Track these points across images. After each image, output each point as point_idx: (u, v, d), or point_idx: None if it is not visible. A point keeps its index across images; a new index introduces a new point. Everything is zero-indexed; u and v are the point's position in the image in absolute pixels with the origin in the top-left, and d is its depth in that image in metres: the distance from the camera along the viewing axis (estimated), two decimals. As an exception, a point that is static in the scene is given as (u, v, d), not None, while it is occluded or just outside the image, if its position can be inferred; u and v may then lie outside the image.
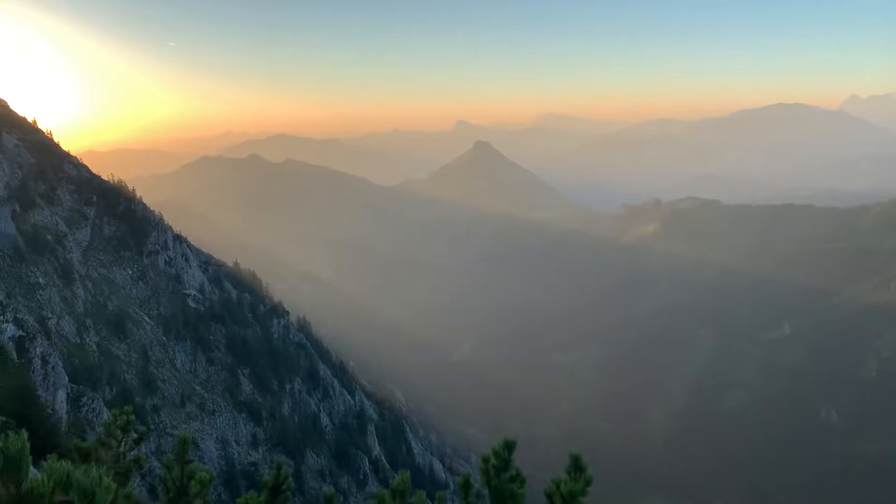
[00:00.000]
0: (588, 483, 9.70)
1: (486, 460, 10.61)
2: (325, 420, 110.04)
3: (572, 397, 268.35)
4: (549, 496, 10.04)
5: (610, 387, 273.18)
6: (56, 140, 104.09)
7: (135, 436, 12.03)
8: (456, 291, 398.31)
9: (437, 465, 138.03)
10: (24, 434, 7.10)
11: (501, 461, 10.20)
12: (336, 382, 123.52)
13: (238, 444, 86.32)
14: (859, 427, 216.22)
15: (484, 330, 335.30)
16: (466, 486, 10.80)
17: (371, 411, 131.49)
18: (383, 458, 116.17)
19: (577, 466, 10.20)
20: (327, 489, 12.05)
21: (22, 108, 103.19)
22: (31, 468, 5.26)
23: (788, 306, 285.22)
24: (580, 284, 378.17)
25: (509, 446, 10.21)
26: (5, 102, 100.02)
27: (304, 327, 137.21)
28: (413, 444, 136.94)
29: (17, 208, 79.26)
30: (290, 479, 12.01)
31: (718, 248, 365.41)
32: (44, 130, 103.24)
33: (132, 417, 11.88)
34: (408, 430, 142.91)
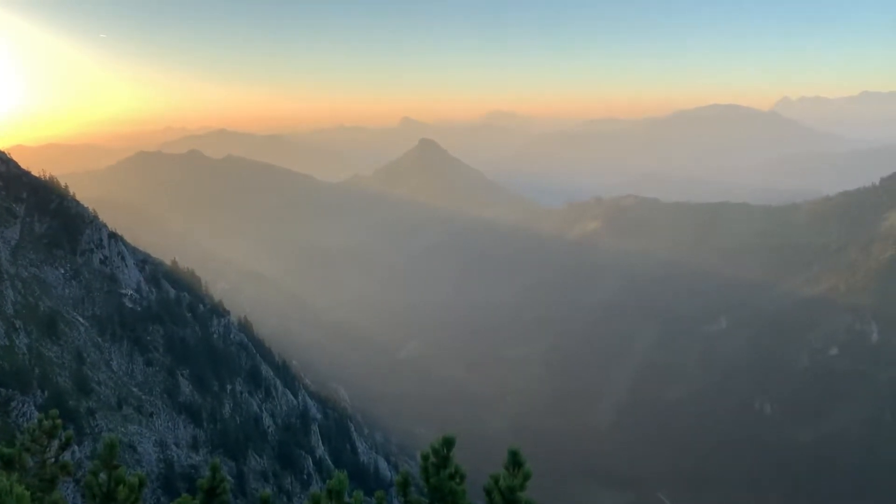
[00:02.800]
0: (527, 478, 9.63)
1: (425, 458, 10.40)
2: (267, 420, 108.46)
3: (520, 391, 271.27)
4: (489, 492, 9.92)
5: (557, 381, 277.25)
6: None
7: (61, 441, 11.50)
8: (402, 289, 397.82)
9: (383, 464, 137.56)
10: None
11: (441, 458, 10.02)
12: (279, 382, 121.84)
13: (178, 446, 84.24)
14: (792, 416, 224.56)
15: (431, 327, 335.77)
16: (405, 484, 10.61)
17: (315, 411, 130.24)
18: (328, 457, 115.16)
19: (515, 462, 10.10)
20: (263, 492, 11.71)
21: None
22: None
23: (726, 300, 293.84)
24: (526, 280, 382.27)
25: (448, 443, 10.03)
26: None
27: (245, 327, 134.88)
28: (358, 444, 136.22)
29: (-61, 205, 75.54)
30: (227, 480, 11.64)
31: (659, 245, 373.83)
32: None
33: (58, 422, 11.40)
34: (352, 429, 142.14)
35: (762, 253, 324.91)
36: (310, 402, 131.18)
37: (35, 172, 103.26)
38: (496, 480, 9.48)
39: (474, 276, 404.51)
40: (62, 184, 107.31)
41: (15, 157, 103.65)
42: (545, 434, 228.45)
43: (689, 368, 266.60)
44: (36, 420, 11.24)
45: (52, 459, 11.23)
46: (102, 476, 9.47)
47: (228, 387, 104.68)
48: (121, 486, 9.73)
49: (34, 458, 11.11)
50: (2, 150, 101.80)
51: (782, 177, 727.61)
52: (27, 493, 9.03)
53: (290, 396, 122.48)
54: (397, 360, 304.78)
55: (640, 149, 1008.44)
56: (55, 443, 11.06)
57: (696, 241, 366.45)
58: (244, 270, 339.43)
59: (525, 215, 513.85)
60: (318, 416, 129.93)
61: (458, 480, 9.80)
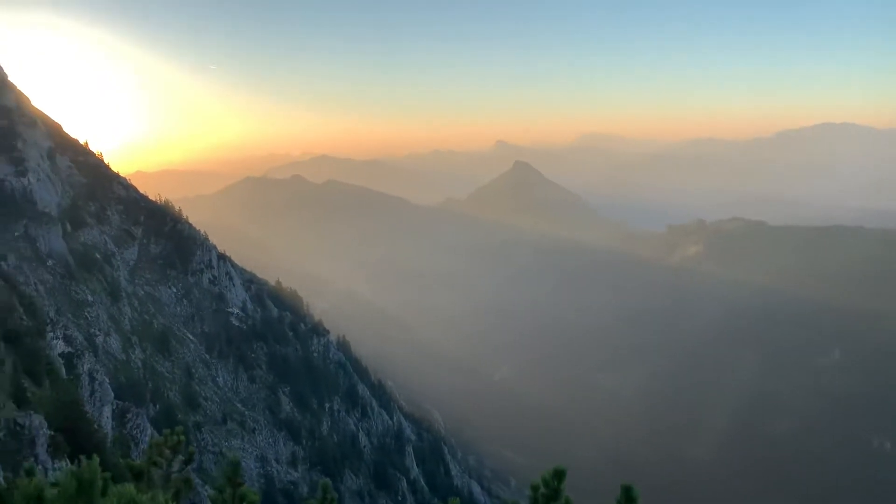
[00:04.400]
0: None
1: (535, 489, 10.25)
2: (363, 440, 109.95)
3: (614, 420, 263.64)
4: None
5: (653, 410, 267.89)
6: (106, 162, 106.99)
7: (184, 457, 12.05)
8: (495, 312, 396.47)
9: (476, 489, 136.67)
10: (96, 460, 7.07)
11: (551, 490, 9.85)
12: (374, 402, 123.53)
13: (278, 462, 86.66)
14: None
15: (524, 351, 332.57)
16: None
17: (409, 432, 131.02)
18: (422, 479, 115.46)
19: (629, 498, 9.78)
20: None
21: (75, 130, 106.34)
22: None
23: (839, 331, 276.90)
24: (622, 305, 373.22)
25: (559, 475, 9.86)
26: (59, 126, 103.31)
27: (343, 346, 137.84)
28: (451, 466, 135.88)
29: (69, 227, 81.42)
30: (336, 500, 11.84)
31: (764, 270, 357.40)
32: (95, 152, 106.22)
33: (182, 438, 11.92)
34: (446, 451, 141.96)
35: (877, 280, 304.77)
36: (404, 423, 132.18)
37: (152, 197, 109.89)
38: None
39: (568, 301, 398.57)
40: (176, 207, 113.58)
41: (134, 183, 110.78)
42: (640, 466, 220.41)
43: (796, 401, 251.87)
44: (162, 435, 11.82)
45: (176, 473, 11.77)
46: (227, 493, 9.88)
47: (327, 405, 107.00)
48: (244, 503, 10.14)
49: (159, 471, 11.67)
50: (123, 176, 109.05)
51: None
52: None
53: (386, 416, 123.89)
54: (489, 383, 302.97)
55: (743, 170, 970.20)
56: (179, 457, 11.60)
57: (805, 266, 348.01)
58: (341, 290, 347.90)
59: (621, 239, 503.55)
60: (413, 437, 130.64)
61: (568, 514, 9.60)
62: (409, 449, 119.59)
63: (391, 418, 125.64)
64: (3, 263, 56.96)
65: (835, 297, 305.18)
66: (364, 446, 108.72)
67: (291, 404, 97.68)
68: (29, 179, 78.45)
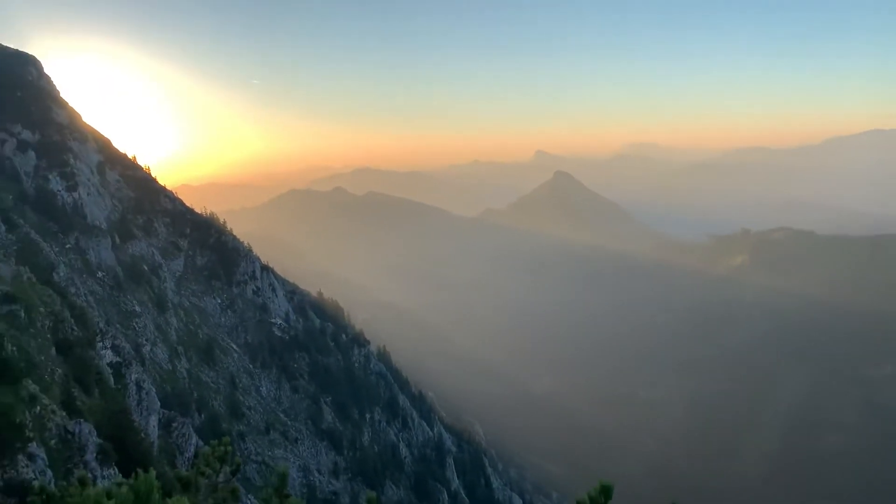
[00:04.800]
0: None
1: (581, 505, 10.00)
2: (404, 451, 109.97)
3: (657, 434, 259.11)
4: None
5: (697, 423, 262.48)
6: (153, 175, 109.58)
7: (231, 467, 12.16)
8: (536, 323, 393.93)
9: (517, 501, 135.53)
10: (153, 473, 7.18)
11: (599, 507, 9.61)
12: (415, 413, 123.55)
13: (319, 472, 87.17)
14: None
15: (565, 362, 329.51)
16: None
17: (450, 443, 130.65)
18: (462, 491, 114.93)
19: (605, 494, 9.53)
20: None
21: (123, 145, 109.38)
22: None
23: (891, 343, 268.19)
24: (666, 317, 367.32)
25: (606, 491, 9.65)
26: (109, 140, 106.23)
27: (384, 357, 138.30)
28: (492, 479, 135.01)
29: (117, 240, 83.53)
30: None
31: (813, 281, 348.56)
32: (142, 166, 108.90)
33: (230, 448, 12.02)
34: (487, 463, 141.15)
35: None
36: (445, 435, 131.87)
37: (198, 209, 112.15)
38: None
39: (609, 313, 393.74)
40: (221, 220, 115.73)
41: (181, 196, 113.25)
42: (685, 482, 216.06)
43: (849, 417, 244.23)
44: (209, 446, 11.94)
45: (223, 483, 11.87)
46: (274, 503, 9.94)
47: (368, 415, 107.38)
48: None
49: (206, 481, 11.77)
50: (170, 189, 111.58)
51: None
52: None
53: (426, 428, 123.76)
54: (530, 395, 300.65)
55: (791, 178, 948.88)
56: (226, 468, 11.70)
57: (855, 277, 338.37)
58: (382, 301, 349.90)
59: (665, 249, 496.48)
60: (454, 448, 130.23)
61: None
62: (450, 460, 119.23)
63: (432, 429, 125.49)
64: (54, 275, 58.59)
65: (887, 309, 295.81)
66: (405, 457, 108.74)
67: (333, 414, 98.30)
68: (80, 193, 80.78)
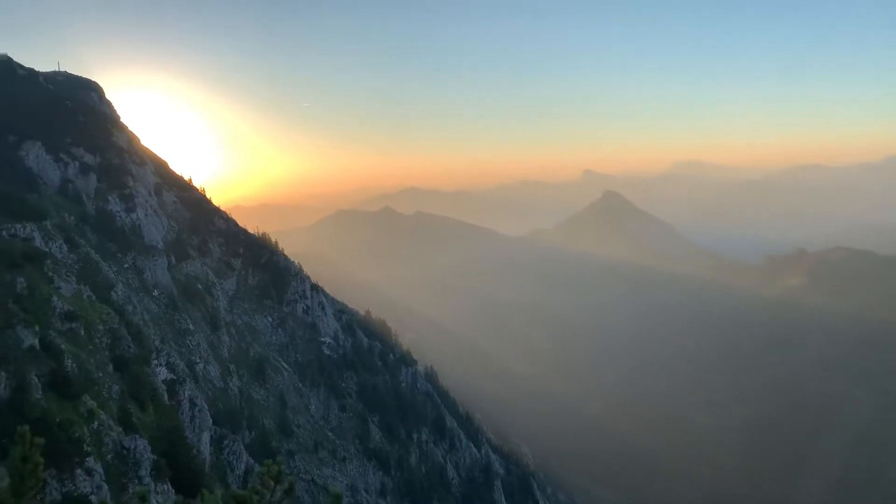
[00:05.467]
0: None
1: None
2: (451, 472, 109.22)
3: (711, 460, 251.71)
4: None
5: (753, 450, 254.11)
6: (208, 196, 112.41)
7: (285, 486, 12.17)
8: (582, 344, 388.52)
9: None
10: (218, 495, 7.21)
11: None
12: (462, 434, 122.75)
13: (367, 492, 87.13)
14: None
15: (614, 385, 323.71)
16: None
17: (497, 465, 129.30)
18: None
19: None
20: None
21: (179, 167, 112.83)
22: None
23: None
24: (719, 339, 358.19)
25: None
26: (165, 163, 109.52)
27: (430, 377, 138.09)
28: (541, 502, 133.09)
29: (173, 259, 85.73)
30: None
31: (873, 302, 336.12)
32: (198, 188, 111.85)
33: (283, 468, 12.05)
34: (535, 486, 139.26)
35: None
36: (492, 457, 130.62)
37: (250, 229, 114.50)
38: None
39: (660, 334, 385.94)
40: (273, 240, 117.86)
41: (234, 216, 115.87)
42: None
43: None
44: (263, 465, 11.99)
45: (276, 503, 11.87)
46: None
47: (415, 435, 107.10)
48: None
49: (261, 500, 11.79)
50: (223, 210, 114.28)
51: None
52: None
53: (474, 449, 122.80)
54: (579, 417, 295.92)
55: (849, 197, 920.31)
56: (280, 488, 11.72)
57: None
58: (428, 320, 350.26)
59: (717, 270, 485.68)
60: (501, 470, 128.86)
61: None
62: (498, 483, 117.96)
63: (479, 451, 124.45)
64: (113, 293, 60.34)
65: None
66: (452, 479, 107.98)
67: (380, 434, 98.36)
68: (138, 214, 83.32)
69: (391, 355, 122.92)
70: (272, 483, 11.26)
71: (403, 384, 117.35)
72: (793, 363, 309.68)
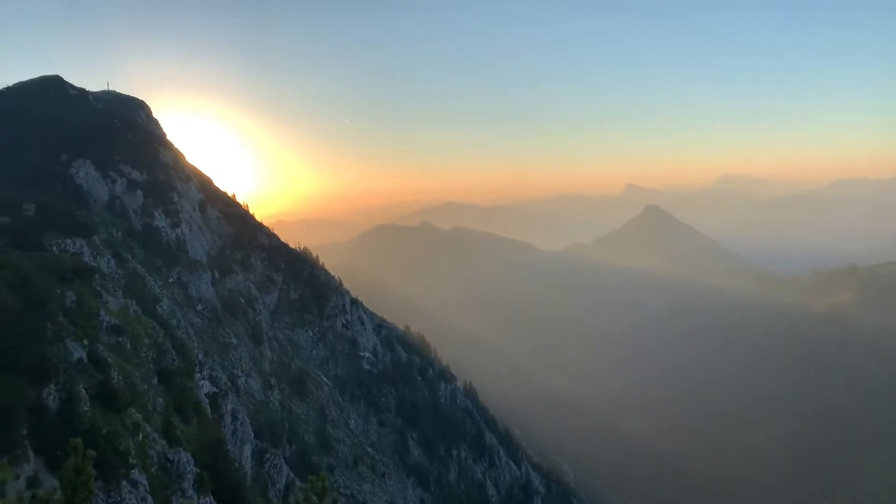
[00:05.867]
0: None
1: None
2: (490, 489, 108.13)
3: (757, 479, 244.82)
4: None
5: (804, 471, 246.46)
6: (251, 212, 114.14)
7: (329, 503, 12.07)
8: (623, 361, 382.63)
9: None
10: None
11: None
12: (502, 451, 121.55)
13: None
14: None
15: (657, 402, 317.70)
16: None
17: (538, 483, 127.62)
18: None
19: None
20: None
21: (223, 183, 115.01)
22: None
23: None
24: (764, 356, 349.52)
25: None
26: (210, 179, 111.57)
27: (470, 393, 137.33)
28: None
29: (217, 274, 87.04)
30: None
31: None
32: (241, 204, 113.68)
33: (327, 484, 11.96)
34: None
35: None
36: (532, 475, 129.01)
37: (292, 245, 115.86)
38: None
39: (702, 351, 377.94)
40: (313, 255, 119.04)
41: (275, 231, 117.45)
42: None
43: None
44: (308, 481, 11.90)
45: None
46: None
47: (454, 452, 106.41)
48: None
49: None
50: (266, 225, 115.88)
51: None
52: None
53: (514, 466, 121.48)
54: (622, 435, 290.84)
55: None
56: (324, 503, 11.62)
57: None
58: (466, 335, 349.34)
59: (761, 285, 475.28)
60: (542, 489, 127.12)
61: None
62: (538, 501, 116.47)
63: (519, 468, 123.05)
64: (158, 307, 61.38)
65: None
66: (491, 496, 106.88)
67: (420, 450, 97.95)
68: (182, 230, 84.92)
69: (430, 370, 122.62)
70: (316, 499, 11.17)
71: (443, 399, 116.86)
72: (841, 379, 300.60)
